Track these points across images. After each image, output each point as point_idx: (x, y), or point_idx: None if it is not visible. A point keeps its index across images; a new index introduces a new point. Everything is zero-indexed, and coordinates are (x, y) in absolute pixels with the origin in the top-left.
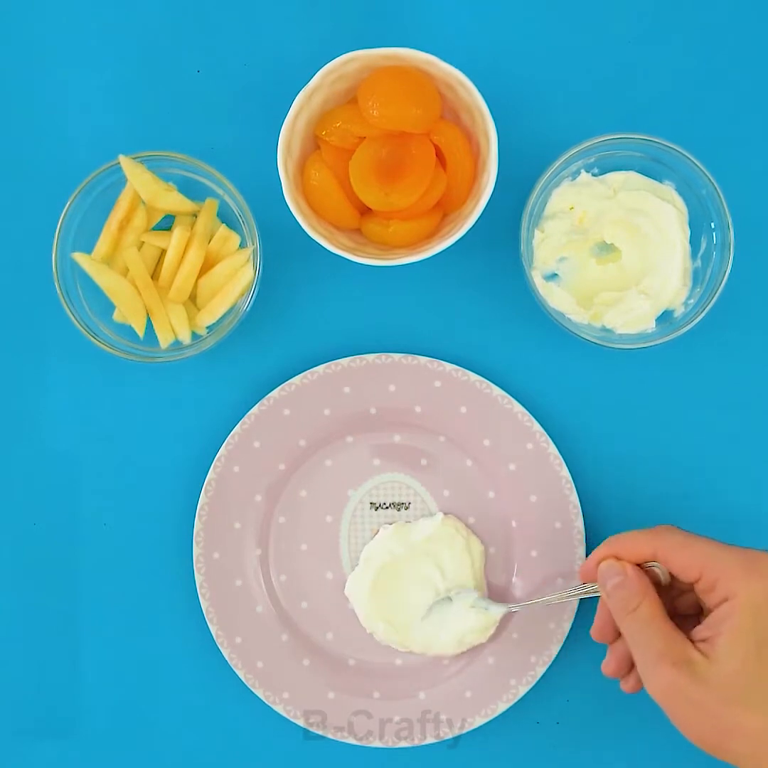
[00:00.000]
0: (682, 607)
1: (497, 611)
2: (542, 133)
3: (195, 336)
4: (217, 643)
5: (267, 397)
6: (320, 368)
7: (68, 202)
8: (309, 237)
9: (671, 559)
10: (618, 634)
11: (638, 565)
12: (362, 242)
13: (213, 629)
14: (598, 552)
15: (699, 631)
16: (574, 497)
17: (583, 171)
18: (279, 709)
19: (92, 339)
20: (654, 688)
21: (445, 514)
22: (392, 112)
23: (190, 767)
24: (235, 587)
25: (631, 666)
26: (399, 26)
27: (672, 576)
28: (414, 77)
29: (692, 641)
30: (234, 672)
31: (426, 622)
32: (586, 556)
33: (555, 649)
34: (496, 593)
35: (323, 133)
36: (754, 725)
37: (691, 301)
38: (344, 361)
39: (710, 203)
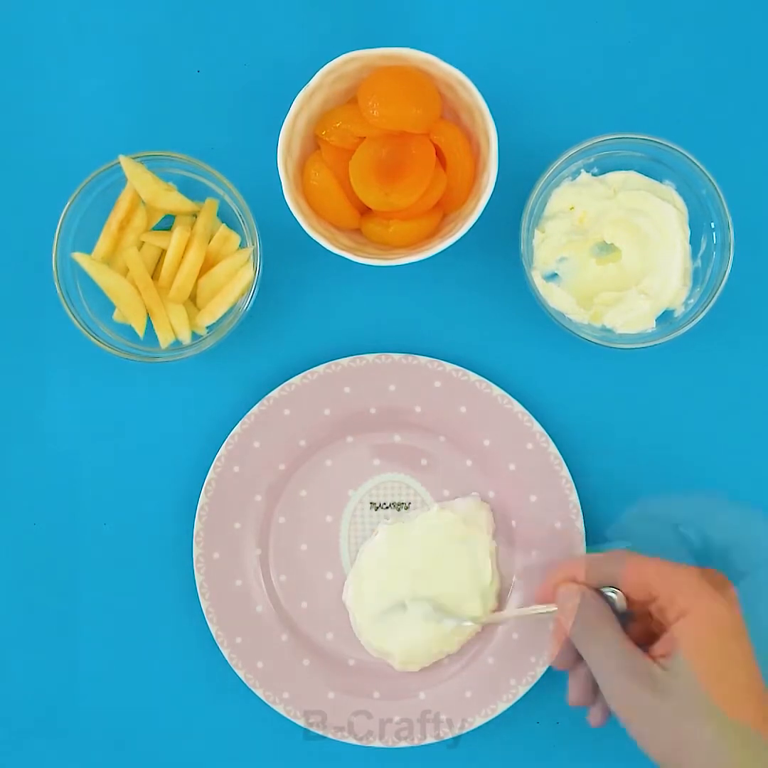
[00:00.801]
0: (634, 636)
1: (449, 625)
2: (542, 133)
3: (195, 336)
4: (217, 643)
5: (267, 397)
6: (320, 368)
7: (68, 202)
8: (309, 237)
9: (627, 579)
10: (578, 659)
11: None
12: (362, 242)
13: (213, 629)
14: (555, 575)
15: (657, 648)
16: (574, 497)
17: (583, 171)
18: (279, 709)
19: (92, 339)
20: (616, 701)
21: (441, 507)
22: (392, 112)
23: (190, 767)
24: (235, 587)
25: (595, 694)
26: (399, 26)
27: (628, 603)
28: (414, 77)
29: (652, 658)
30: (234, 672)
31: (377, 626)
32: None
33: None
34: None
35: (323, 133)
36: (707, 736)
37: (691, 301)
38: (344, 361)
39: (710, 203)
